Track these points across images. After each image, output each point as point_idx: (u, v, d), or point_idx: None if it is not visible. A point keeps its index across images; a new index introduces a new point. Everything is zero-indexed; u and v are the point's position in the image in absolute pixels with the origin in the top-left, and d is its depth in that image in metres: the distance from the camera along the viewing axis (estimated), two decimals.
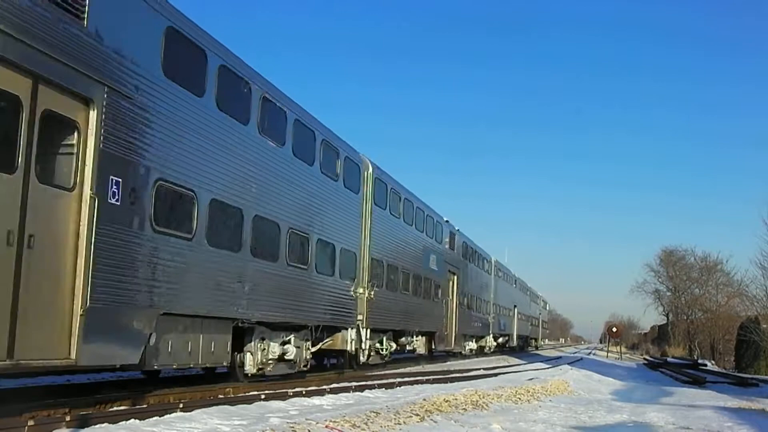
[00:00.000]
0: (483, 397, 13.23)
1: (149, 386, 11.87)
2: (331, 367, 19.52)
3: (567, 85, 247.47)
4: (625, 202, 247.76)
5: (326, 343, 16.86)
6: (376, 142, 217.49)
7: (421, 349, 26.20)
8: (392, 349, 21.73)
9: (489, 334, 40.62)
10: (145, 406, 9.40)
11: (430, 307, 26.03)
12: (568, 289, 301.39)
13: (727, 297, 62.74)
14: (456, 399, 12.35)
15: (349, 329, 17.74)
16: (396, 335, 22.27)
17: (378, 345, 20.33)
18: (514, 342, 52.00)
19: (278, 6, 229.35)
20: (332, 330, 17.01)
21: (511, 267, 59.77)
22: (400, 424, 9.22)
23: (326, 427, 8.22)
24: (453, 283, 30.37)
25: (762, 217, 38.76)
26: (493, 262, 42.28)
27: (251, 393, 11.58)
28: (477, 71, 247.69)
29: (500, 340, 45.14)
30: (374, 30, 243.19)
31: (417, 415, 10.10)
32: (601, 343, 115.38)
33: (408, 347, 24.28)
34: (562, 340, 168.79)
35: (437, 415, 10.45)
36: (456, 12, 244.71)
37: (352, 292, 17.49)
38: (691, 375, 29.65)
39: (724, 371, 40.50)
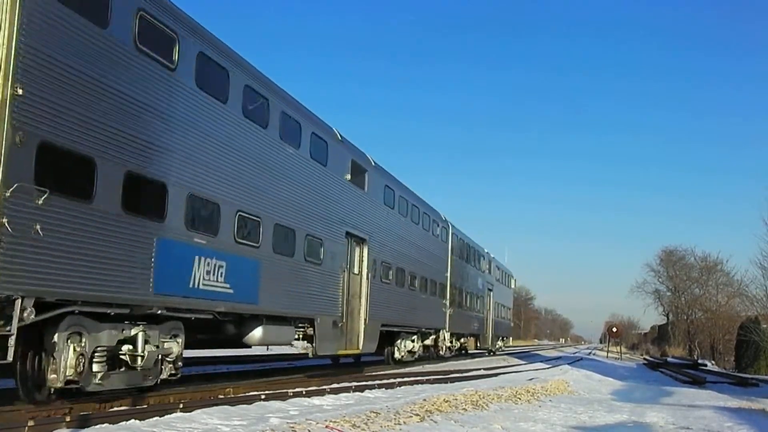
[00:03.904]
0: (483, 397, 13.24)
1: (149, 386, 11.85)
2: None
3: (567, 85, 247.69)
4: (625, 202, 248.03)
5: None
6: (375, 143, 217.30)
7: None
8: None
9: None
10: (145, 406, 9.40)
11: None
12: (568, 289, 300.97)
13: (727, 297, 62.80)
14: (456, 399, 12.36)
15: None
16: None
17: None
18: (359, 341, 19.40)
19: (278, 5, 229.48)
20: None
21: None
22: (400, 424, 9.22)
23: (326, 427, 8.23)
24: None
25: (762, 217, 38.80)
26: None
27: (251, 393, 11.58)
28: (477, 71, 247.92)
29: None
30: (374, 30, 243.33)
31: (417, 415, 10.11)
32: (601, 343, 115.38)
33: None
34: (562, 340, 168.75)
35: (437, 415, 10.45)
36: (456, 12, 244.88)
37: None
38: (691, 375, 29.64)
39: (724, 371, 40.48)
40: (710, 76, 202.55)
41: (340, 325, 16.56)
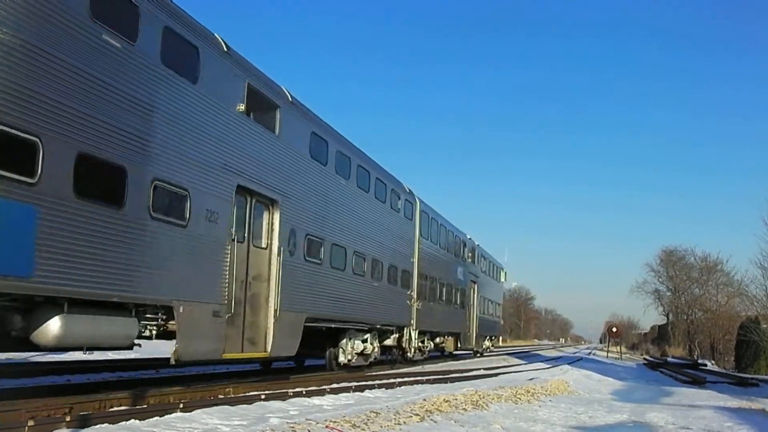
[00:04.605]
0: (483, 397, 13.23)
1: (149, 386, 11.87)
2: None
3: (567, 85, 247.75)
4: (625, 202, 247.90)
5: None
6: (375, 143, 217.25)
7: None
8: None
9: None
10: (145, 406, 9.39)
11: None
12: (568, 289, 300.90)
13: (727, 297, 62.90)
14: (456, 399, 12.35)
15: None
16: None
17: None
18: None
19: (278, 5, 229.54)
20: None
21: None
22: (400, 424, 9.22)
23: (326, 427, 8.22)
24: None
25: (762, 217, 38.96)
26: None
27: (251, 393, 11.56)
28: (477, 71, 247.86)
29: None
30: (374, 30, 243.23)
31: (417, 415, 10.11)
32: (601, 343, 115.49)
33: None
34: (562, 340, 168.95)
35: (437, 415, 10.45)
36: (456, 12, 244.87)
37: None
38: (691, 375, 29.66)
39: (724, 371, 40.51)
40: (710, 76, 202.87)
41: (226, 317, 11.48)
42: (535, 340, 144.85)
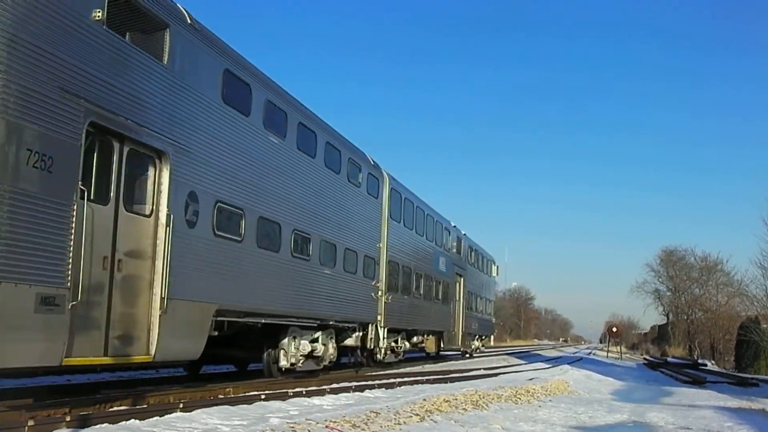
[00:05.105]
0: (483, 397, 13.23)
1: (149, 386, 11.87)
2: None
3: (567, 85, 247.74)
4: (625, 202, 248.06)
5: None
6: (375, 142, 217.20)
7: None
8: None
9: None
10: (145, 406, 9.40)
11: None
12: (568, 289, 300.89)
13: (727, 297, 62.95)
14: (456, 399, 12.35)
15: None
16: None
17: None
18: None
19: (278, 5, 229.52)
20: None
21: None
22: (400, 424, 9.22)
23: (326, 427, 8.22)
24: None
25: (762, 217, 39.02)
26: None
27: (251, 393, 11.58)
28: (477, 71, 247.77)
29: None
30: (374, 30, 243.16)
31: (417, 415, 10.11)
32: (601, 343, 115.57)
33: None
34: (561, 340, 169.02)
35: (437, 415, 10.45)
36: (456, 12, 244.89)
37: None
38: (691, 375, 29.65)
39: (724, 371, 40.51)
40: (710, 76, 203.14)
41: (69, 305, 8.02)
42: (535, 340, 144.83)
